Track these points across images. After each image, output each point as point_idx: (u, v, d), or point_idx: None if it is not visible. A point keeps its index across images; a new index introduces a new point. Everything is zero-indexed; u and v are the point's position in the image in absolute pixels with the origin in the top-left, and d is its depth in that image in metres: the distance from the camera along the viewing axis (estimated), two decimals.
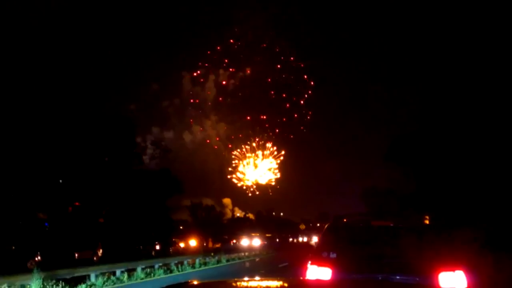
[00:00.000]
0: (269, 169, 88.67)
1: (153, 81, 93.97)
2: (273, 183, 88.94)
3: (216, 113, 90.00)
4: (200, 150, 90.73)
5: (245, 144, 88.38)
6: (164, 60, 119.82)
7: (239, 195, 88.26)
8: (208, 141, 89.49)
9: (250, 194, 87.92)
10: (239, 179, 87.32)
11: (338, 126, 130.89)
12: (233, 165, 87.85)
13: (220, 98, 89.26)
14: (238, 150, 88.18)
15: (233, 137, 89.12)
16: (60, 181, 28.43)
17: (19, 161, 24.35)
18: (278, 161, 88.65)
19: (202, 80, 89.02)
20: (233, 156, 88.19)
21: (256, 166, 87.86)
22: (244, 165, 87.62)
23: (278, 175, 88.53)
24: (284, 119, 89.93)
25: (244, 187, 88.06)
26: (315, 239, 67.52)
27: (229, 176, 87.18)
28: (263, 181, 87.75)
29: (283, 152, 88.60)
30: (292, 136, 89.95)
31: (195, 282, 2.62)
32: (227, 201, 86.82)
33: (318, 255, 5.54)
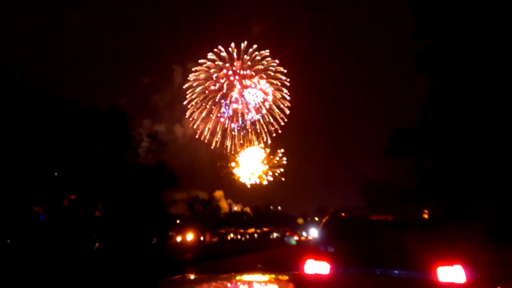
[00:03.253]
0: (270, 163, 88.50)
1: (144, 75, 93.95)
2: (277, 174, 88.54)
3: (207, 107, 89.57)
4: (191, 143, 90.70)
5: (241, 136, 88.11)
6: (155, 53, 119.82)
7: (232, 188, 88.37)
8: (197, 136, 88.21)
9: (248, 186, 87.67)
10: (233, 173, 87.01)
11: (337, 119, 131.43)
12: (230, 158, 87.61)
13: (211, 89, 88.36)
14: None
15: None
16: (55, 174, 28.33)
17: (13, 154, 24.23)
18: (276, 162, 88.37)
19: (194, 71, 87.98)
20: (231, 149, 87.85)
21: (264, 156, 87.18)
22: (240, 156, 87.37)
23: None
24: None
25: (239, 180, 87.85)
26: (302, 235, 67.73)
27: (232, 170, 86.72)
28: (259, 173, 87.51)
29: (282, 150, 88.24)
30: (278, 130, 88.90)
31: (192, 277, 2.55)
32: (219, 194, 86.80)
33: (316, 249, 5.51)
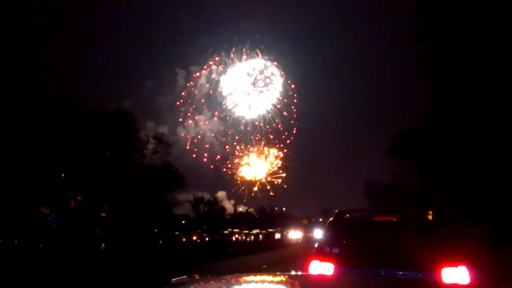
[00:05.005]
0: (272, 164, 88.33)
1: (147, 78, 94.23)
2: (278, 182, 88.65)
3: (209, 109, 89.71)
4: (193, 145, 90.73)
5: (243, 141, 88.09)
6: (158, 57, 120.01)
7: (234, 188, 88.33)
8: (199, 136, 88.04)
9: (254, 191, 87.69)
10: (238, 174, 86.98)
11: (341, 121, 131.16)
12: (235, 160, 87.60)
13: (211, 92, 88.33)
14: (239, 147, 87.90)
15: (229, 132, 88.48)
16: (62, 175, 28.52)
17: (21, 155, 24.41)
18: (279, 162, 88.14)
19: (196, 76, 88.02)
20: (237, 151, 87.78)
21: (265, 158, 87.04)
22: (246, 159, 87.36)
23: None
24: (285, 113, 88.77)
25: (239, 181, 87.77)
26: (295, 235, 66.89)
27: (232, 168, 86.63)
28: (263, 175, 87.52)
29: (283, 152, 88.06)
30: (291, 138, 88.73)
31: (197, 277, 2.59)
32: (221, 194, 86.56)
33: (321, 250, 5.54)
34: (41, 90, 27.34)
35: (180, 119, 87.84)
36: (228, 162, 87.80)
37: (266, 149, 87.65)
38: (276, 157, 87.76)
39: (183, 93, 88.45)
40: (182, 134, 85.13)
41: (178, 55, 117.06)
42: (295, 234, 67.71)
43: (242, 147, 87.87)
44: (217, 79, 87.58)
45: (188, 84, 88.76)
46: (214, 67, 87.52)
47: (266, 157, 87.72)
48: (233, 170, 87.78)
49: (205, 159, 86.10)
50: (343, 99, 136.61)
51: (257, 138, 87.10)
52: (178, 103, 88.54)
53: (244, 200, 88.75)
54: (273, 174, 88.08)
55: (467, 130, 17.96)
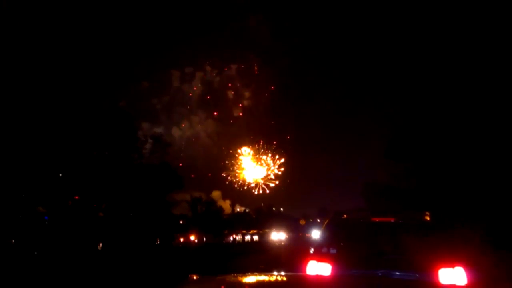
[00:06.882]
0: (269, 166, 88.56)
1: (142, 79, 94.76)
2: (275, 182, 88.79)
3: (203, 110, 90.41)
4: (188, 145, 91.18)
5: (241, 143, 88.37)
6: (153, 58, 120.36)
7: (233, 189, 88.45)
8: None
9: (254, 191, 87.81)
10: (235, 175, 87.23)
11: (338, 121, 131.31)
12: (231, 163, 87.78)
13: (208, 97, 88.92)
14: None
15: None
16: (60, 174, 28.44)
17: (18, 155, 24.34)
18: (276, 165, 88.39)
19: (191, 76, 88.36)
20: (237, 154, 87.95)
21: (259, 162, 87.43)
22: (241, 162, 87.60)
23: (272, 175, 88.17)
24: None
25: (239, 184, 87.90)
26: (277, 236, 65.36)
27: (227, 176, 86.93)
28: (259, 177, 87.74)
29: (282, 160, 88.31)
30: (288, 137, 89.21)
31: (195, 277, 2.60)
32: (216, 194, 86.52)
33: (318, 251, 5.55)
34: (42, 90, 27.31)
35: (175, 120, 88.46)
36: (222, 163, 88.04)
37: (262, 151, 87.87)
38: (273, 158, 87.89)
39: (178, 94, 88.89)
40: (177, 142, 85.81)
41: (173, 57, 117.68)
42: (277, 236, 66.38)
43: (239, 151, 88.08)
44: (211, 80, 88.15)
45: (182, 85, 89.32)
46: (208, 68, 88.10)
47: (261, 160, 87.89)
48: (229, 173, 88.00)
49: (199, 172, 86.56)
50: (341, 97, 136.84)
51: (255, 146, 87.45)
52: (173, 103, 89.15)
53: (240, 201, 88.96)
54: (267, 177, 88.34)
55: (464, 131, 18.04)
